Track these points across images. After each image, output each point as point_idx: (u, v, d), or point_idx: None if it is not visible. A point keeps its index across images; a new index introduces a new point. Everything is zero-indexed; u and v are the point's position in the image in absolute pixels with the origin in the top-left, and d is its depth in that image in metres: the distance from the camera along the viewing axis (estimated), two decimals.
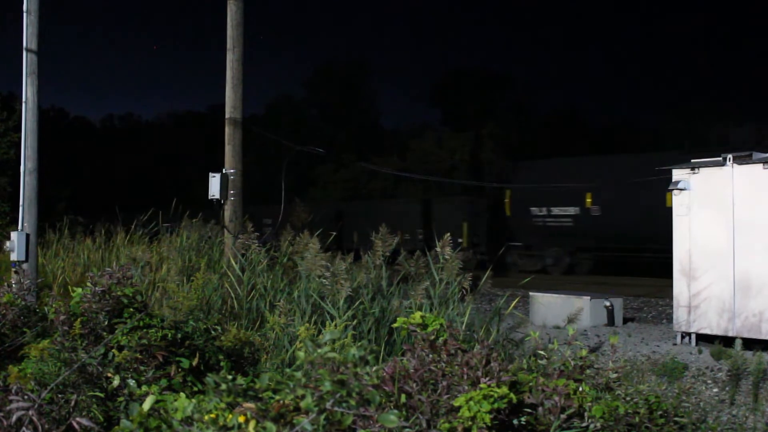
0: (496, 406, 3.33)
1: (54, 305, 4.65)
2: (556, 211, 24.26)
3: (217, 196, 10.16)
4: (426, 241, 28.48)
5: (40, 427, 2.73)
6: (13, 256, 8.86)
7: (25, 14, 9.14)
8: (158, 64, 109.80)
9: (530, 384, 3.72)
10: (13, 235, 8.90)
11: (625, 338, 10.61)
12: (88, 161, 55.59)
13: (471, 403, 3.31)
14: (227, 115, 10.41)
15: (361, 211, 30.36)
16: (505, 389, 3.40)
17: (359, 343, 3.66)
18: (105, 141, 61.26)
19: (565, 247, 24.71)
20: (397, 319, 4.13)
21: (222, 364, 4.70)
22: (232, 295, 7.59)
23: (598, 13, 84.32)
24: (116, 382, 3.95)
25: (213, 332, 5.28)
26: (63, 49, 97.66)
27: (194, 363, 4.32)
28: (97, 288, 4.50)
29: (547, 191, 22.23)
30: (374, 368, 2.71)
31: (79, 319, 4.42)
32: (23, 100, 9.17)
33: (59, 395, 3.85)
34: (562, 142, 41.96)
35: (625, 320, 12.65)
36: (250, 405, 2.45)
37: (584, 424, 3.73)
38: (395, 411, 2.86)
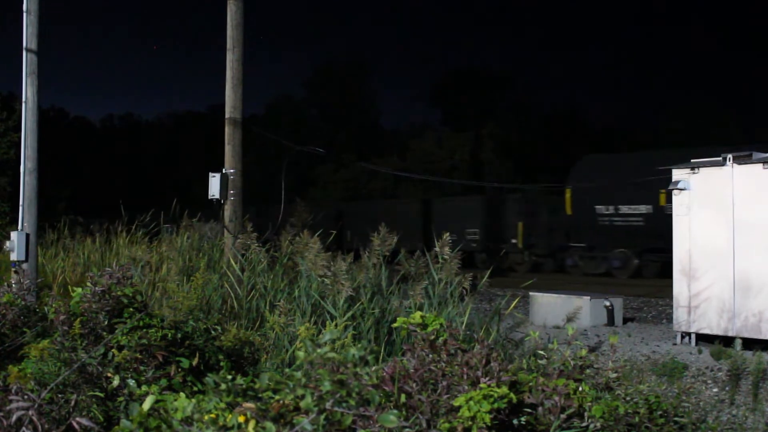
0: (496, 406, 3.33)
1: (54, 305, 4.65)
2: (624, 209, 22.49)
3: (217, 196, 10.16)
4: (483, 242, 28.17)
5: (40, 427, 2.73)
6: (13, 256, 8.86)
7: (25, 14, 9.13)
8: (158, 64, 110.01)
9: (530, 384, 3.72)
10: (13, 235, 8.89)
11: (625, 338, 10.62)
12: (88, 161, 55.64)
13: (471, 403, 3.31)
14: (227, 115, 10.41)
15: (422, 210, 30.81)
16: (505, 389, 3.40)
17: (359, 344, 3.66)
18: (105, 141, 61.33)
19: (633, 248, 22.96)
20: (397, 319, 4.13)
21: (222, 364, 4.69)
22: (232, 295, 7.58)
23: (598, 13, 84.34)
24: (116, 382, 3.95)
25: (213, 332, 5.28)
26: (63, 49, 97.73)
27: (194, 363, 4.31)
28: (97, 288, 4.50)
29: (616, 188, 20.77)
30: (374, 368, 2.71)
31: (79, 319, 4.42)
32: (23, 100, 9.17)
33: (59, 395, 3.85)
34: (562, 142, 41.96)
35: (625, 320, 12.66)
36: (250, 405, 2.45)
37: (584, 424, 3.73)
38: (395, 411, 2.86)
